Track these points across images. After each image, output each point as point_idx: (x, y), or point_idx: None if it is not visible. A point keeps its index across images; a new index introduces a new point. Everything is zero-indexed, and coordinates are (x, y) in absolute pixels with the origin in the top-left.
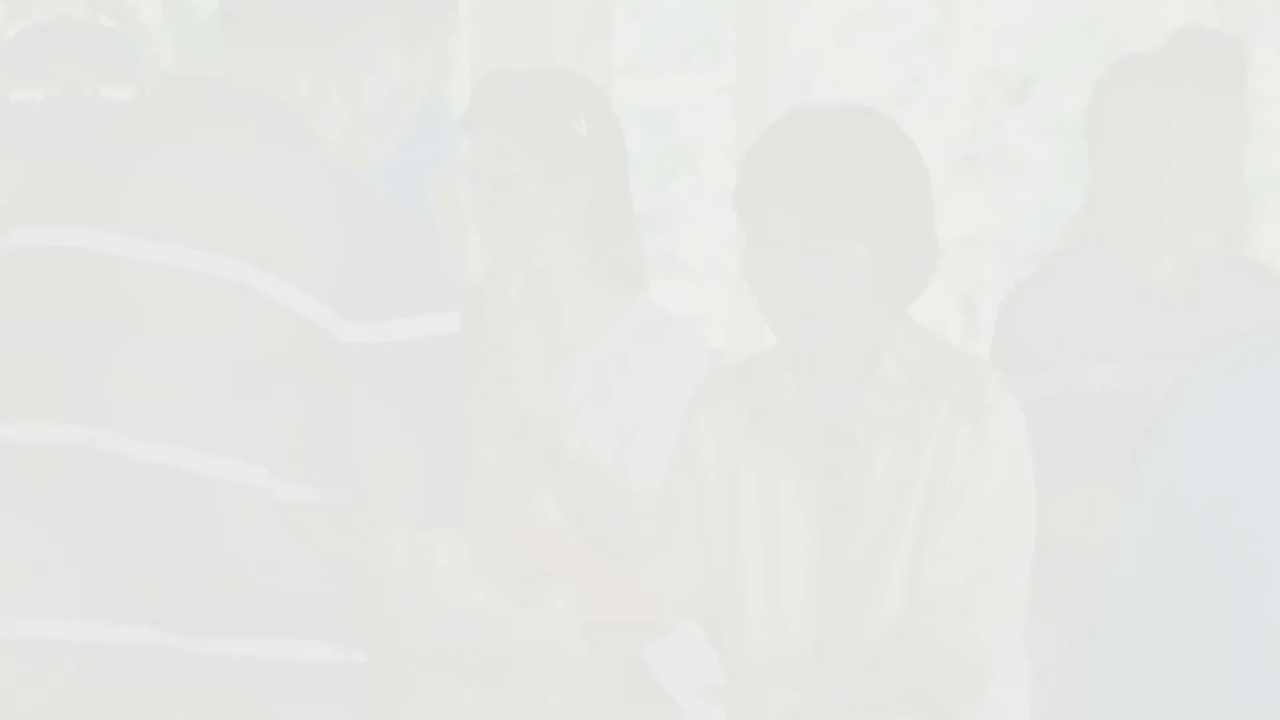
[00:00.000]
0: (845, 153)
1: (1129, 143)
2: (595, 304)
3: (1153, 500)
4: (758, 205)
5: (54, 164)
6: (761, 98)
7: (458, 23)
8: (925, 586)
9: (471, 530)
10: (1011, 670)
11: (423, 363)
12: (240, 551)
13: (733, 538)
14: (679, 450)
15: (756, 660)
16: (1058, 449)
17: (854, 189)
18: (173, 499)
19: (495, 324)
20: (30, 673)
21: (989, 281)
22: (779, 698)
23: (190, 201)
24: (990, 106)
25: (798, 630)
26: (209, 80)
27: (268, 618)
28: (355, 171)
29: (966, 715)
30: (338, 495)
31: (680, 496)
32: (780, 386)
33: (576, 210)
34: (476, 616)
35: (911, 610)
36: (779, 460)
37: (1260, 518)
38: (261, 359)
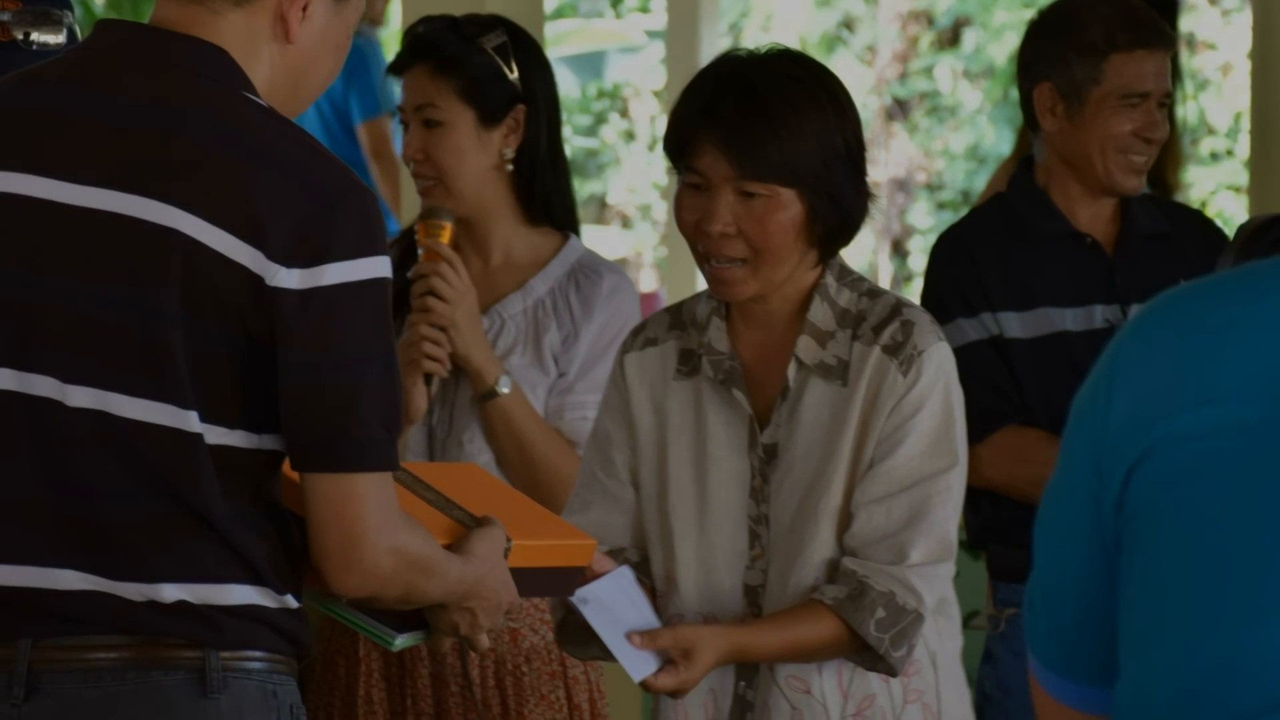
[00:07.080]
0: (775, 96)
1: (1059, 87)
2: (527, 248)
3: (1084, 443)
4: (687, 149)
5: None
6: (691, 42)
7: None
8: (857, 530)
9: (402, 474)
10: (943, 614)
11: (353, 307)
12: (172, 496)
13: (663, 482)
14: (610, 394)
15: (688, 604)
16: (988, 392)
17: (784, 133)
18: (103, 444)
19: (427, 268)
20: None
21: (920, 225)
22: (710, 642)
23: (120, 145)
24: (921, 51)
25: (729, 574)
26: (140, 24)
27: (199, 562)
28: (287, 116)
29: (898, 659)
30: (269, 440)
31: (611, 440)
32: (711, 331)
33: (508, 155)
34: (405, 560)
35: (843, 554)
36: (710, 404)
37: (1176, 463)
38: (192, 303)
